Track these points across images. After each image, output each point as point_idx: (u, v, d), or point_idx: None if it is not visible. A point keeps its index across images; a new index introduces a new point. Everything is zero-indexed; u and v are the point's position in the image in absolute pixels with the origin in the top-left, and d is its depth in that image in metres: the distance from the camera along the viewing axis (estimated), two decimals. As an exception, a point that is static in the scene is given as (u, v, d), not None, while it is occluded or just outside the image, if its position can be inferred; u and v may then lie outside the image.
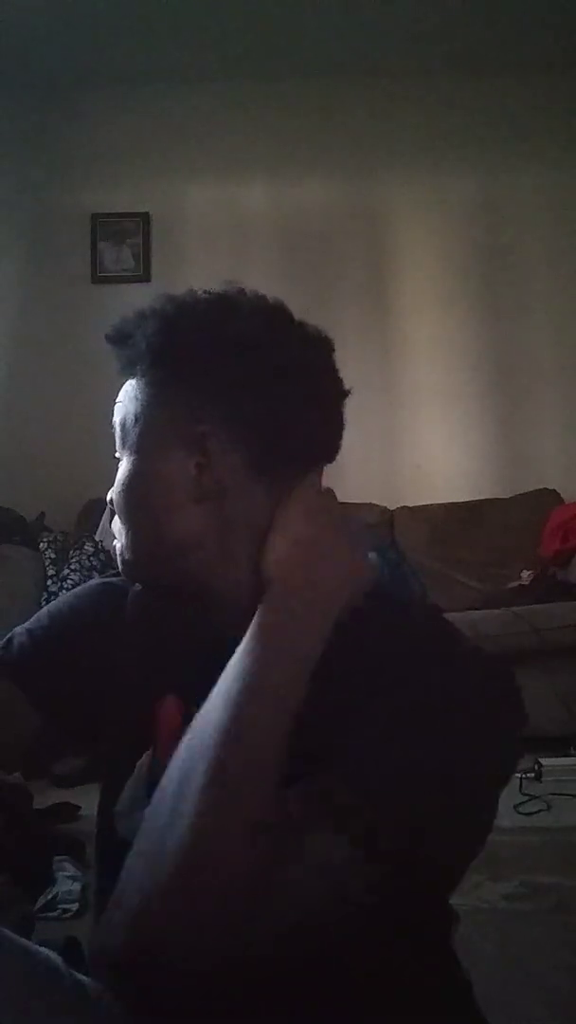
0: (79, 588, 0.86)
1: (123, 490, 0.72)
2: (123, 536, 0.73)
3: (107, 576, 0.87)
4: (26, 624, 0.81)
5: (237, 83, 3.61)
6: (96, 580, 0.87)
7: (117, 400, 0.74)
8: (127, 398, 0.73)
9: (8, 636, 0.80)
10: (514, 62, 3.52)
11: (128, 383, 0.73)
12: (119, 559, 0.75)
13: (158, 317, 0.71)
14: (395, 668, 0.64)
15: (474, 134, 3.65)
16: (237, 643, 0.67)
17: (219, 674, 0.67)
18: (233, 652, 0.67)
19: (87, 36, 3.32)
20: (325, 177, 3.68)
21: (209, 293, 0.73)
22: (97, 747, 0.81)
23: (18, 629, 0.80)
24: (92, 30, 3.28)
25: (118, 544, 0.74)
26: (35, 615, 0.83)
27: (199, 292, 0.73)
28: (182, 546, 0.70)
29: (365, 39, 3.39)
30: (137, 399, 0.72)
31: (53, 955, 0.71)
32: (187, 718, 0.68)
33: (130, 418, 0.72)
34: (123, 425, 0.72)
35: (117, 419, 0.74)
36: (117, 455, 0.74)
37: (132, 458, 0.71)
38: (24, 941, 0.69)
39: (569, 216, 3.64)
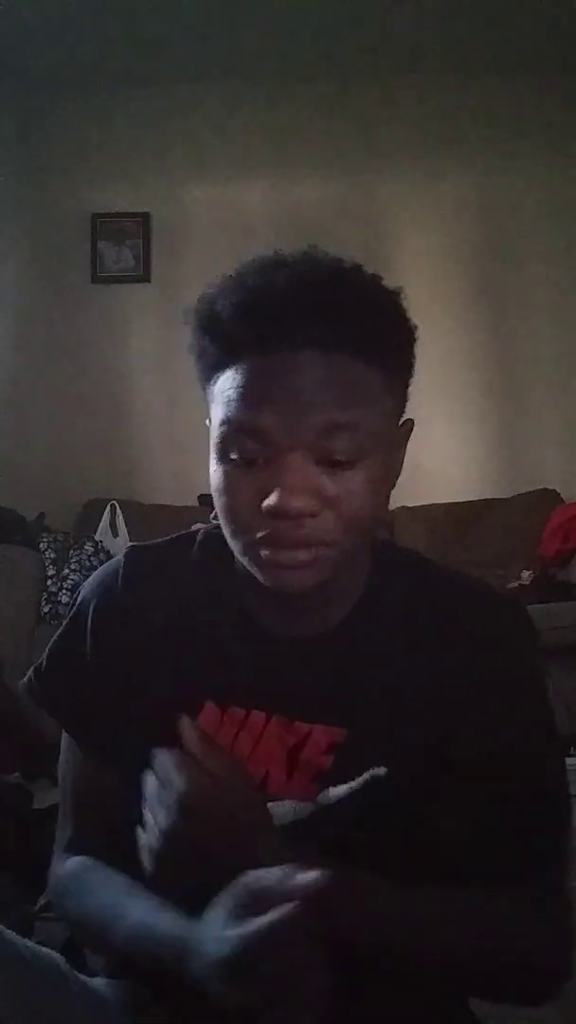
0: (92, 597, 0.79)
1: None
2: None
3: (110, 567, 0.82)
4: (53, 660, 0.80)
5: (237, 83, 3.61)
6: (102, 576, 0.81)
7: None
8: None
9: (39, 675, 0.80)
10: (514, 62, 3.52)
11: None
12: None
13: (361, 286, 0.68)
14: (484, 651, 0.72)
15: (474, 134, 3.65)
16: (288, 643, 0.72)
17: (264, 674, 0.72)
18: (288, 652, 0.72)
19: (87, 36, 3.32)
20: (325, 177, 3.68)
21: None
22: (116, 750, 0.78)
23: (48, 669, 0.80)
24: (92, 30, 3.28)
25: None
26: (59, 646, 0.80)
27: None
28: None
29: (365, 39, 3.39)
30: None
31: (56, 956, 0.71)
32: (225, 720, 0.71)
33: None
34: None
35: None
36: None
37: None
38: (27, 942, 0.69)
39: (569, 216, 3.64)
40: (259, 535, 0.65)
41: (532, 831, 0.71)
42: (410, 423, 0.73)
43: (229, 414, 0.65)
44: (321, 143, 3.66)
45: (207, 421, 0.71)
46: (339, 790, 0.70)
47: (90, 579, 0.81)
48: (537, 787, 0.72)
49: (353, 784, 0.70)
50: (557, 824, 0.73)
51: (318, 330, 0.63)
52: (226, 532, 0.69)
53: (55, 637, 0.80)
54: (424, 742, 0.71)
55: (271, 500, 0.63)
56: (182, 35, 3.33)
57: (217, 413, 0.67)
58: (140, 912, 0.67)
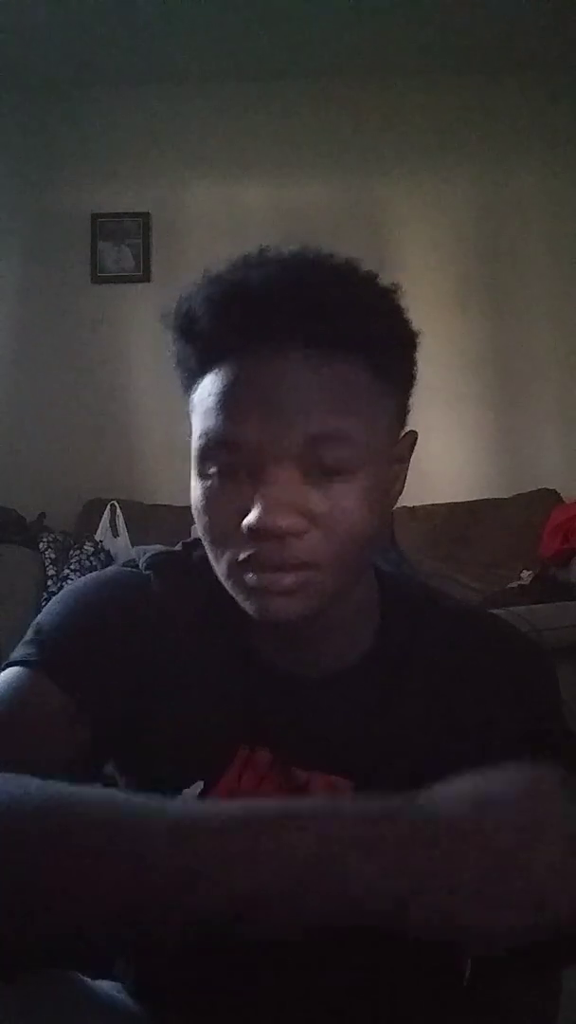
0: (116, 577, 0.71)
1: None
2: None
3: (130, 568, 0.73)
4: (56, 618, 0.67)
5: (237, 83, 3.61)
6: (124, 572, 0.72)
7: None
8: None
9: (36, 632, 0.66)
10: (514, 62, 3.52)
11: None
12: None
13: (366, 285, 0.62)
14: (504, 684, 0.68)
15: (474, 134, 3.65)
16: (297, 682, 0.67)
17: (267, 715, 0.66)
18: (294, 693, 0.66)
19: (87, 36, 3.31)
20: (325, 177, 3.68)
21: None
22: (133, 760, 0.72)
23: (45, 623, 0.67)
24: (92, 30, 3.28)
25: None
26: (71, 603, 0.68)
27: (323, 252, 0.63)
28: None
29: (365, 39, 3.39)
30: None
31: None
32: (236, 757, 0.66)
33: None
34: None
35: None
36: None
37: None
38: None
39: (569, 216, 3.64)
40: (241, 556, 0.58)
41: None
42: (413, 435, 0.66)
43: (207, 425, 0.60)
44: (321, 143, 3.65)
45: (189, 438, 0.67)
46: None
47: (110, 574, 0.71)
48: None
49: None
50: None
51: (303, 327, 0.57)
52: (209, 554, 0.63)
53: (62, 613, 0.68)
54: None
55: (251, 517, 0.57)
56: (182, 35, 3.33)
57: (196, 425, 0.62)
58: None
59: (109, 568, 0.74)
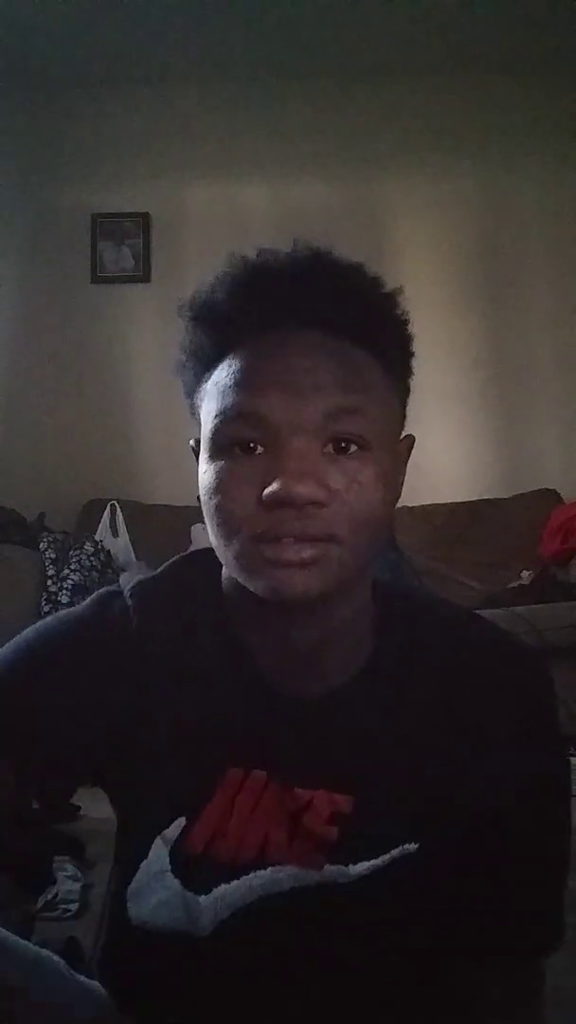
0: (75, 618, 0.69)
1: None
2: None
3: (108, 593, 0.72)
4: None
5: (237, 83, 3.61)
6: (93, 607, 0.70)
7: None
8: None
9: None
10: (514, 62, 3.52)
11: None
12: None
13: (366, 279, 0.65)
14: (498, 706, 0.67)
15: (474, 134, 3.65)
16: (293, 704, 0.65)
17: (264, 736, 0.65)
18: (291, 715, 0.65)
19: (87, 36, 3.31)
20: (325, 177, 3.68)
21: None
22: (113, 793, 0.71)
23: None
24: (92, 30, 3.28)
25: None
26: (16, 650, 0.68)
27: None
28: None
29: (365, 39, 3.39)
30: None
31: (57, 959, 0.72)
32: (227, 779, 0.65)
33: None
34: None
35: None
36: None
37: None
38: (28, 944, 0.69)
39: (569, 216, 3.64)
40: (259, 530, 0.57)
41: (531, 898, 0.69)
42: (411, 439, 0.67)
43: (226, 402, 0.59)
44: (321, 143, 3.65)
45: (191, 442, 0.67)
46: (360, 868, 0.65)
47: (86, 609, 0.70)
48: (540, 853, 0.69)
49: (377, 862, 0.65)
50: (553, 894, 0.70)
51: (321, 312, 0.59)
52: (218, 541, 0.61)
53: (34, 640, 0.69)
54: (439, 808, 0.66)
55: (273, 487, 0.56)
56: (182, 35, 3.33)
57: (211, 407, 0.61)
58: None
59: (77, 609, 0.71)
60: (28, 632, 0.69)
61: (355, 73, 3.58)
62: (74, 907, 1.61)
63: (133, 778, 0.67)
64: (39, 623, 0.70)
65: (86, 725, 0.66)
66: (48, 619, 0.70)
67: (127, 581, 0.71)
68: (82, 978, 0.73)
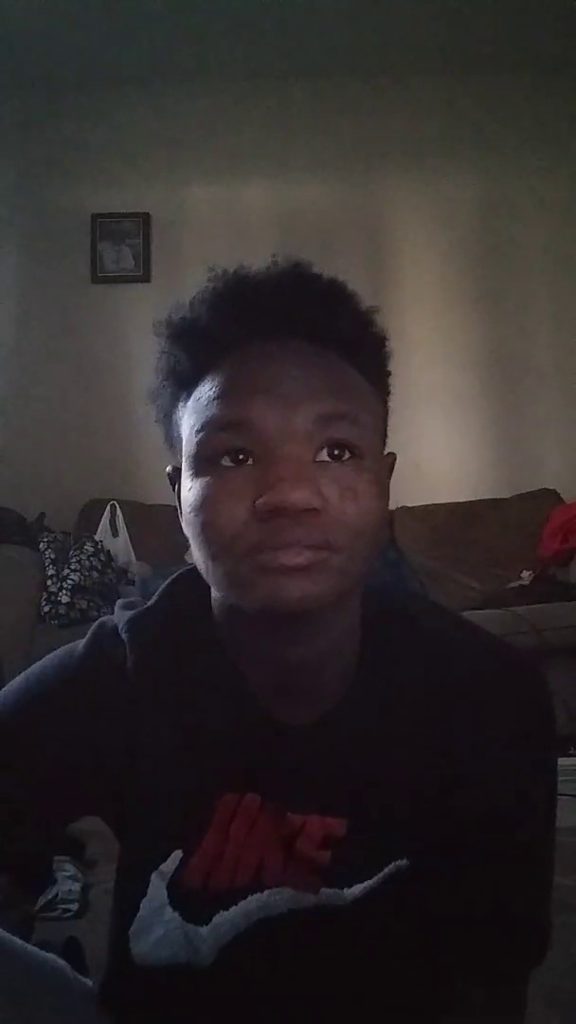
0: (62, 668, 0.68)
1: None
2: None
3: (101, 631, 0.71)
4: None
5: (237, 83, 3.61)
6: (80, 655, 0.69)
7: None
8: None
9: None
10: (514, 62, 3.52)
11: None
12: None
13: (346, 294, 0.63)
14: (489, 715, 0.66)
15: (474, 134, 3.65)
16: (285, 731, 0.64)
17: (257, 762, 0.65)
18: (283, 741, 0.64)
19: (87, 36, 3.32)
20: (325, 177, 3.68)
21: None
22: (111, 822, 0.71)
23: None
24: (92, 30, 3.28)
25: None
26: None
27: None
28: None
29: (365, 39, 3.39)
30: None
31: (59, 961, 0.71)
32: (221, 804, 0.65)
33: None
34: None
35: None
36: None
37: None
38: (29, 946, 0.69)
39: (569, 216, 3.64)
40: (253, 543, 0.55)
41: (517, 912, 0.69)
42: (393, 456, 0.67)
43: (209, 414, 0.57)
44: (321, 143, 3.65)
45: (168, 469, 0.65)
46: (355, 890, 0.65)
47: (84, 649, 0.69)
48: (529, 871, 0.69)
49: (371, 882, 0.65)
50: (538, 911, 0.70)
51: (304, 322, 0.58)
52: (207, 560, 0.58)
53: (44, 676, 0.68)
54: (430, 825, 0.66)
55: (267, 496, 0.54)
56: (182, 35, 3.33)
57: (192, 423, 0.59)
58: None
59: (76, 649, 0.70)
60: (32, 671, 0.69)
61: (356, 73, 3.58)
62: (74, 907, 1.61)
63: (129, 814, 0.67)
64: (42, 662, 0.70)
65: (83, 766, 0.65)
66: (51, 658, 0.70)
67: (121, 616, 0.70)
68: (83, 980, 0.73)
